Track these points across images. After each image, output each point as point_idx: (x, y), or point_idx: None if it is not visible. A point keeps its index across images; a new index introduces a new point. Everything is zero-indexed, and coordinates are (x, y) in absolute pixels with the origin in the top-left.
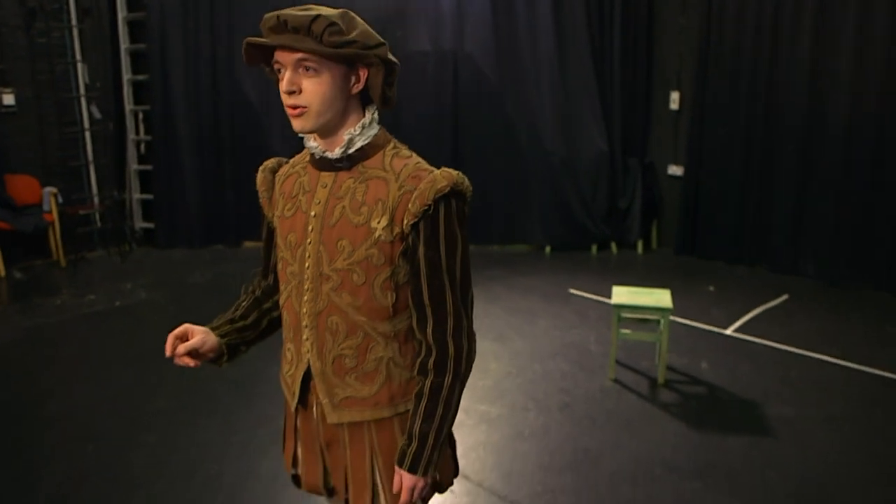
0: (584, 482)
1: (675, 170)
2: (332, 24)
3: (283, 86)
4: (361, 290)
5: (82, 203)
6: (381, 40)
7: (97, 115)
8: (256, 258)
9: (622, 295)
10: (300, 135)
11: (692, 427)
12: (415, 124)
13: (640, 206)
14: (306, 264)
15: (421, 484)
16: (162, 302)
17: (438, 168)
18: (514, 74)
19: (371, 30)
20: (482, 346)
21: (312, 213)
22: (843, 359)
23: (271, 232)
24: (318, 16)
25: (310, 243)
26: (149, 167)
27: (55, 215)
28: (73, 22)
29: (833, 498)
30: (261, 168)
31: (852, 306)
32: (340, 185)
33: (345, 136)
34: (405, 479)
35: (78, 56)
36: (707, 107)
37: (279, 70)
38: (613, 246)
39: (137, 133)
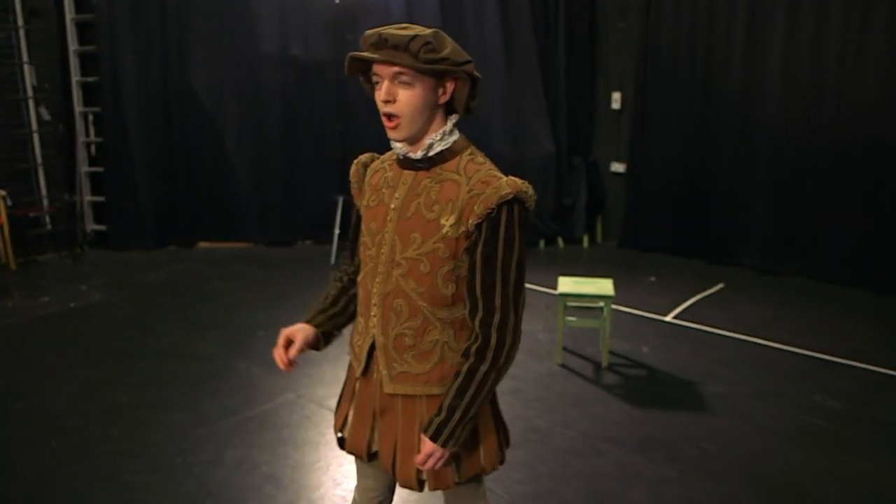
0: (536, 458)
1: (618, 167)
2: (428, 42)
3: (381, 95)
4: (426, 279)
5: (32, 205)
6: (469, 58)
7: (46, 117)
8: (211, 259)
9: (567, 284)
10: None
11: (635, 405)
12: (365, 128)
13: (585, 202)
14: (382, 250)
15: (439, 454)
16: (118, 302)
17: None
18: None
19: (459, 48)
20: None
21: (392, 206)
22: (774, 341)
23: (359, 217)
24: (417, 35)
25: (387, 232)
26: (100, 169)
27: (4, 218)
28: (20, 23)
29: (764, 463)
30: (355, 161)
31: (783, 293)
32: (419, 183)
33: (427, 140)
34: (425, 445)
35: (25, 58)
36: (647, 106)
37: (377, 82)
38: (560, 241)
39: (88, 135)
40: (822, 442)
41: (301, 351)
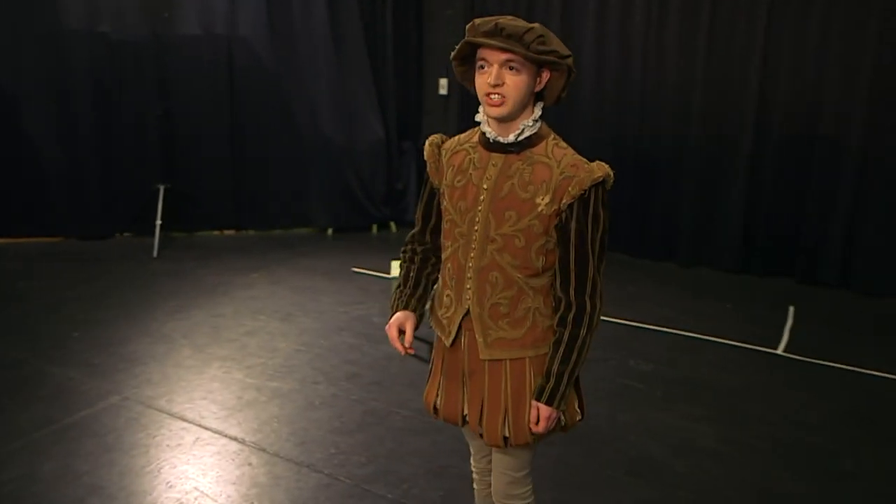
0: (374, 439)
1: None
2: (541, 35)
3: (491, 78)
4: (521, 252)
5: None
6: (569, 52)
7: None
8: (13, 256)
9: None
10: (478, 119)
11: None
12: (190, 111)
13: (415, 186)
14: (475, 227)
15: (554, 415)
16: None
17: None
18: (291, 61)
19: (562, 43)
20: (270, 325)
21: (484, 186)
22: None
23: (433, 196)
24: (531, 28)
25: (480, 210)
26: None
27: None
28: None
29: (588, 424)
30: (428, 142)
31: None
32: (510, 165)
33: (520, 125)
34: (542, 410)
35: None
36: (473, 91)
37: (482, 66)
38: (393, 225)
39: None
40: (636, 401)
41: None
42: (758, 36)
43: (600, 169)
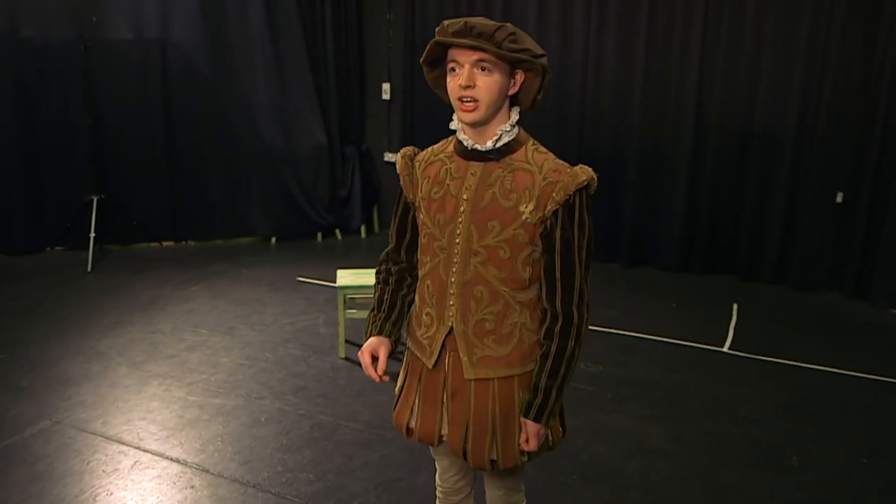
0: (322, 454)
1: (391, 157)
2: (512, 33)
3: (462, 80)
4: (506, 264)
5: None
6: (543, 51)
7: None
8: None
9: (345, 277)
10: (453, 127)
11: None
12: (122, 119)
13: (360, 192)
14: (456, 240)
15: (543, 431)
16: None
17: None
18: (227, 66)
19: (535, 42)
20: (212, 340)
21: (464, 196)
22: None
23: (408, 211)
24: (503, 26)
25: (461, 222)
26: None
27: None
28: None
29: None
30: (400, 155)
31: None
32: (490, 173)
33: (497, 130)
34: (530, 427)
35: None
36: (416, 96)
37: (453, 68)
38: (338, 232)
39: None
40: (586, 404)
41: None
42: (694, 42)
43: (584, 173)
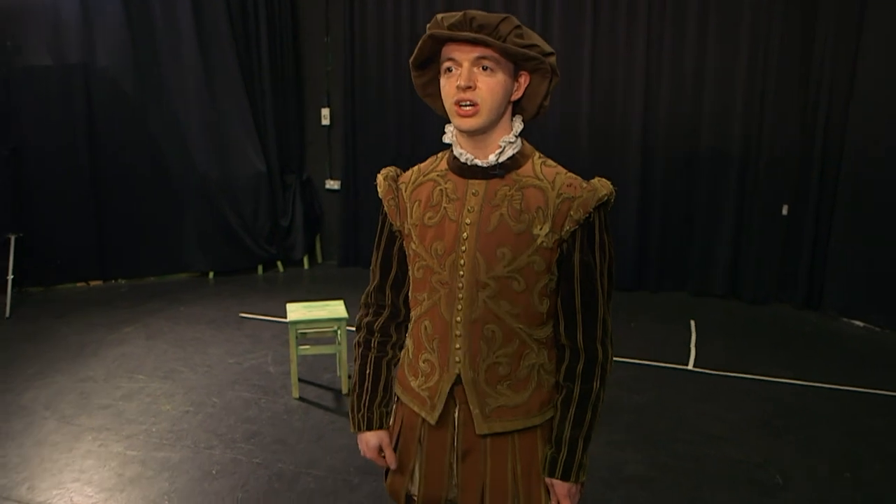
0: None
1: (333, 184)
2: (518, 27)
3: (462, 80)
4: (521, 298)
5: None
6: (552, 49)
7: None
8: None
9: (297, 311)
10: (447, 140)
11: None
12: (42, 150)
13: (302, 222)
14: (460, 272)
15: (574, 490)
16: None
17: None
18: (157, 92)
19: (543, 39)
20: (151, 386)
21: (466, 221)
22: None
23: (393, 241)
24: (508, 17)
25: (464, 251)
26: None
27: None
28: None
29: None
30: (382, 176)
31: None
32: (494, 192)
33: (499, 142)
34: (559, 488)
35: None
36: (357, 121)
37: (449, 68)
38: (280, 264)
39: None
40: None
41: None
42: (639, 63)
43: (604, 186)
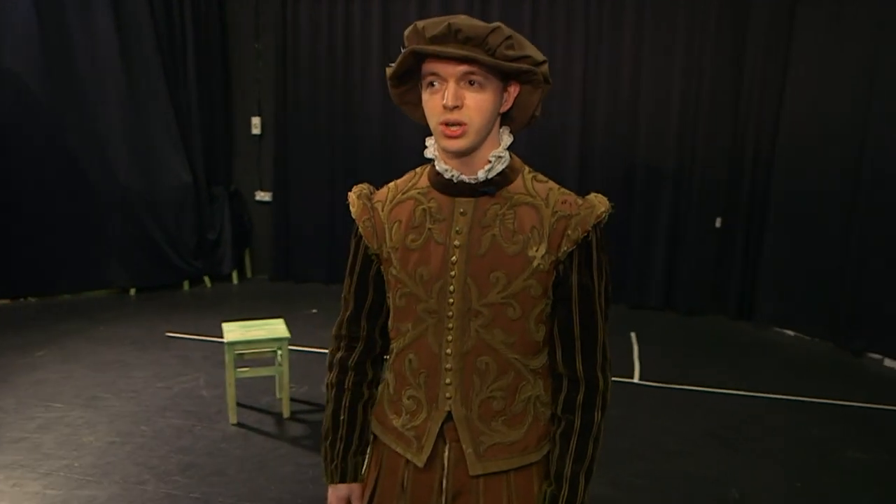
0: None
1: (263, 195)
2: (509, 37)
3: (449, 99)
4: (516, 326)
5: None
6: (545, 57)
7: None
8: None
9: (234, 331)
10: (429, 155)
11: None
12: None
13: (230, 235)
14: (450, 300)
15: None
16: None
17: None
18: (73, 97)
19: (534, 46)
20: (71, 415)
21: (455, 243)
22: None
23: (368, 266)
24: (499, 27)
25: (453, 276)
26: None
27: None
28: None
29: None
30: (355, 195)
31: None
32: (484, 211)
33: (489, 157)
34: None
35: None
36: (290, 131)
37: (432, 83)
38: (207, 280)
39: None
40: None
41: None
42: (576, 80)
43: (601, 203)
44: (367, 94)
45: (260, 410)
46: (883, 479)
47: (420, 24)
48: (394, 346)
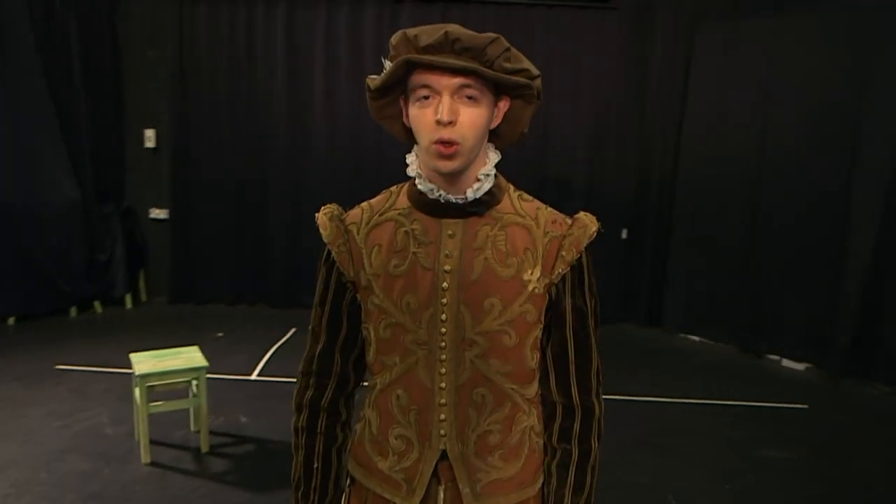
0: None
1: (159, 213)
2: (507, 49)
3: (443, 115)
4: (512, 354)
5: None
6: (539, 71)
7: None
8: None
9: (145, 362)
10: (411, 173)
11: (251, 489)
12: None
13: (123, 256)
14: (441, 329)
15: None
16: None
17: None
18: None
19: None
20: None
21: (445, 268)
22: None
23: (342, 293)
24: (497, 38)
25: (445, 304)
26: None
27: None
28: None
29: None
30: (326, 216)
31: None
32: (475, 233)
33: (478, 175)
34: None
35: None
36: (189, 143)
37: (425, 97)
38: (97, 305)
39: None
40: None
41: None
42: None
43: (592, 222)
44: (273, 105)
45: (174, 446)
46: (799, 474)
47: (411, 31)
48: (377, 381)
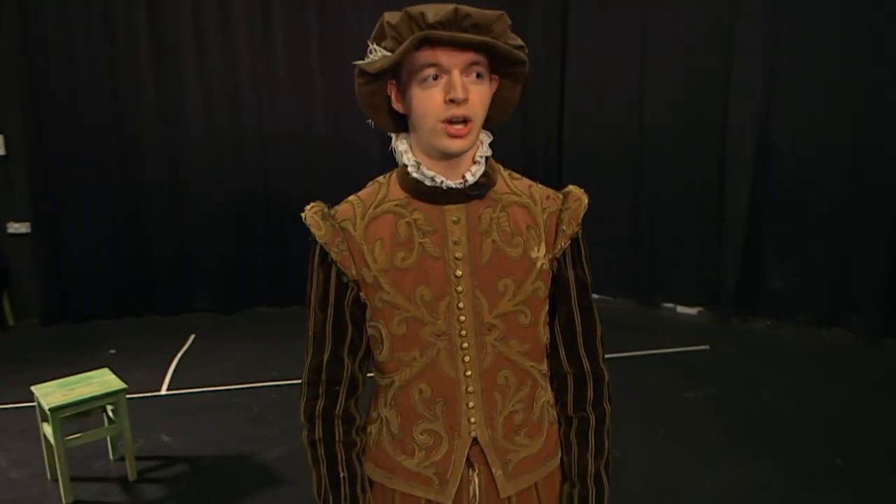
0: None
1: (18, 227)
2: (510, 25)
3: (458, 92)
4: (529, 332)
5: None
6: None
7: None
8: None
9: (53, 393)
10: (406, 161)
11: None
12: None
13: None
14: (460, 317)
15: None
16: None
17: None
18: None
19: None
20: None
21: (457, 256)
22: (288, 378)
23: (344, 293)
24: (503, 14)
25: (460, 291)
26: None
27: None
28: None
29: None
30: (317, 215)
31: (258, 326)
32: (478, 217)
33: (476, 157)
34: None
35: None
36: (47, 149)
37: (434, 76)
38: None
39: None
40: None
41: None
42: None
43: (584, 195)
44: (141, 102)
45: (96, 479)
46: (716, 408)
47: (414, 9)
48: (394, 379)
